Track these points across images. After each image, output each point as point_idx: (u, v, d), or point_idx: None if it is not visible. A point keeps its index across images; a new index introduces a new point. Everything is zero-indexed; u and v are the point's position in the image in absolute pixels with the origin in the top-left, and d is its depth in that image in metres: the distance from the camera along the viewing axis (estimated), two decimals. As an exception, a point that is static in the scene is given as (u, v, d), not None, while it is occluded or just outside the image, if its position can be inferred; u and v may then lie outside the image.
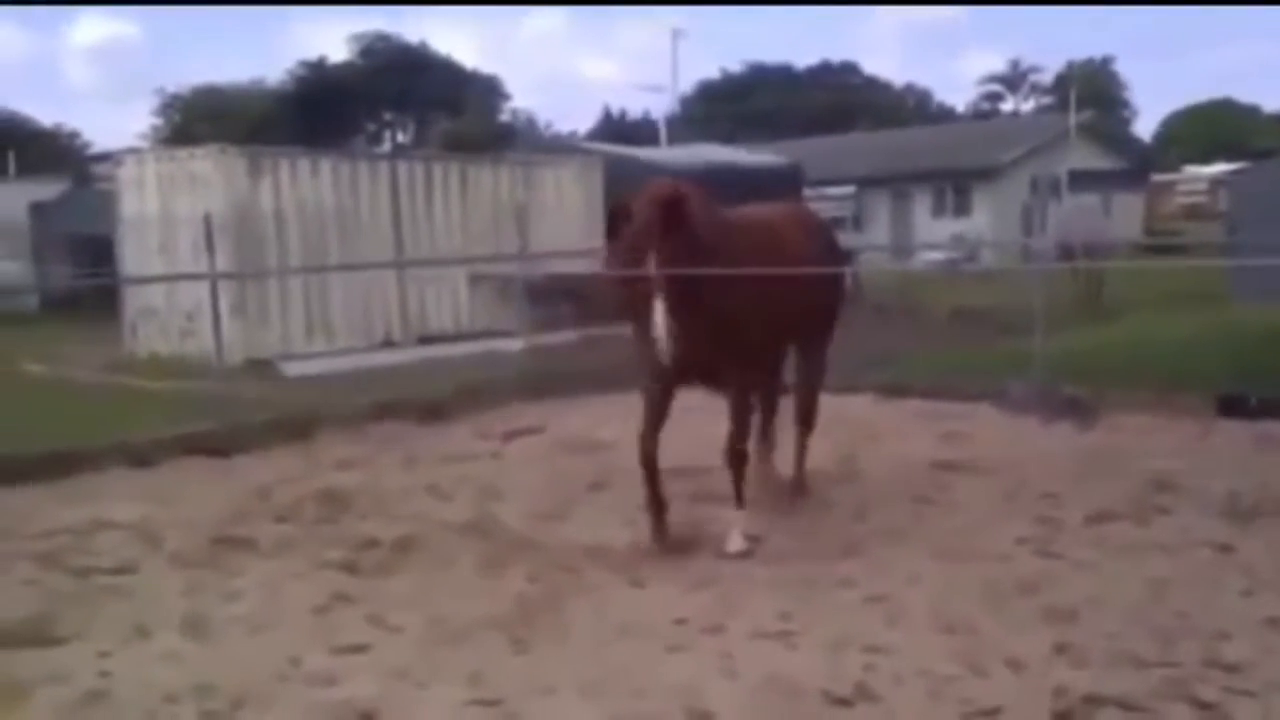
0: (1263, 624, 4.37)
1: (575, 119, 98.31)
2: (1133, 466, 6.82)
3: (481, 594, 4.99)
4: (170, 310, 14.18)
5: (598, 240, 16.64)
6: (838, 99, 61.26)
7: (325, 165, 14.62)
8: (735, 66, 69.64)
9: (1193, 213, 37.89)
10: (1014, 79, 68.85)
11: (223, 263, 12.56)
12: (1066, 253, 15.71)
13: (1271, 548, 5.27)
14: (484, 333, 14.49)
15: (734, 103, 62.07)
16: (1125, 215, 33.96)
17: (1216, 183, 34.77)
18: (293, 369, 12.50)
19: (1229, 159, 38.42)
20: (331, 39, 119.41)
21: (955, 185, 35.30)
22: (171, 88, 58.05)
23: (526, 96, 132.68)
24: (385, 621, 4.71)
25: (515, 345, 12.33)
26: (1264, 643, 4.18)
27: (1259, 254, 14.44)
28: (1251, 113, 60.49)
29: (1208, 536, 5.48)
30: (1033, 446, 7.63)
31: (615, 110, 66.27)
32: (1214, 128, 57.35)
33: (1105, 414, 8.31)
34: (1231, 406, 8.15)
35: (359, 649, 4.44)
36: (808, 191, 22.16)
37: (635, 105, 70.18)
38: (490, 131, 52.23)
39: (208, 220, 10.63)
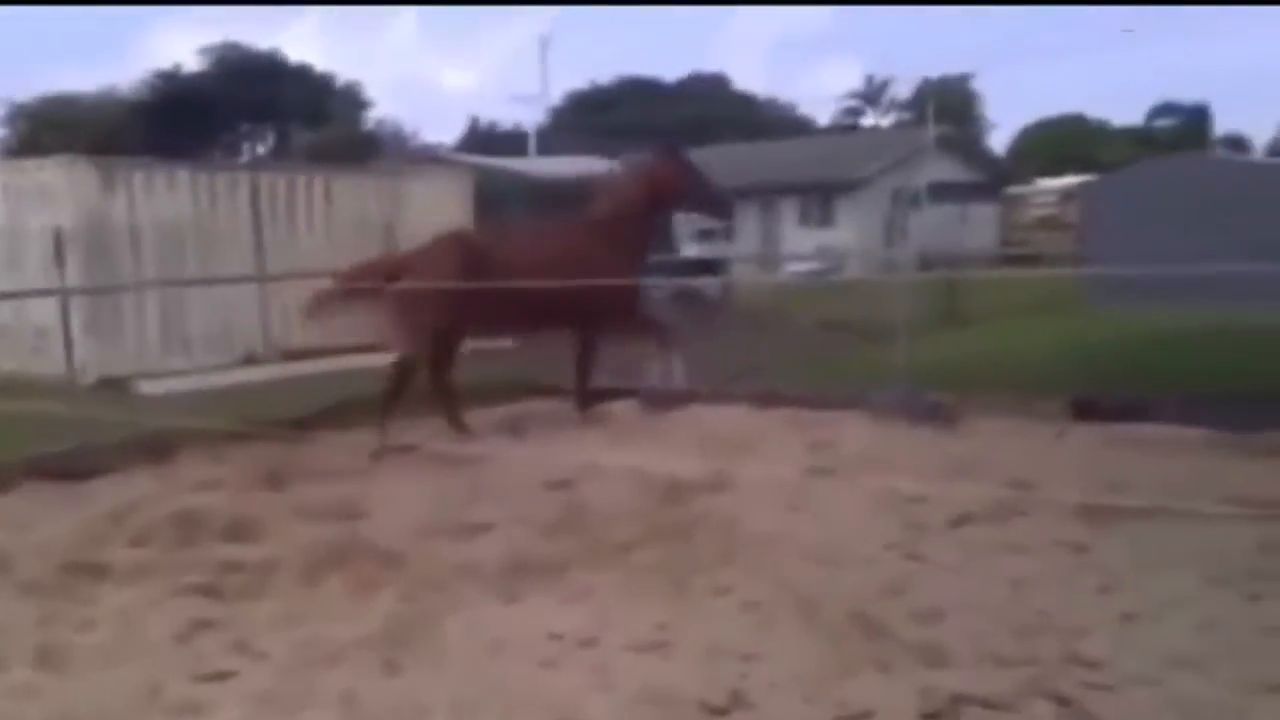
0: (1118, 620, 4.53)
1: (442, 129, 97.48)
2: (993, 470, 7.02)
3: (351, 615, 4.87)
4: (20, 328, 13.56)
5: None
6: (706, 111, 62.01)
7: (182, 177, 14.20)
8: (605, 78, 70.04)
9: (1045, 224, 39.33)
10: (873, 93, 70.75)
11: (74, 278, 12.07)
12: (928, 263, 16.18)
13: (1124, 546, 5.47)
14: (353, 347, 14.20)
15: (604, 114, 62.34)
16: (984, 227, 35.15)
17: (1068, 195, 36.19)
18: (150, 388, 12.07)
19: (1079, 172, 40.01)
20: (186, 47, 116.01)
21: (820, 197, 36.07)
22: (18, 96, 55.70)
23: (389, 105, 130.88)
24: (250, 647, 4.56)
25: (384, 360, 12.09)
26: (1120, 638, 4.33)
27: (1109, 262, 15.13)
28: (1101, 127, 63.20)
29: (1064, 536, 5.67)
30: (898, 452, 7.79)
31: (483, 121, 65.96)
32: (1065, 142, 59.72)
33: (967, 419, 8.55)
34: (1085, 410, 8.45)
35: (223, 676, 4.29)
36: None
37: (504, 116, 69.80)
38: (355, 142, 51.40)
39: (58, 234, 10.21)
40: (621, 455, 7.73)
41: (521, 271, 8.58)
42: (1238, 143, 59.16)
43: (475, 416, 9.33)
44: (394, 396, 8.78)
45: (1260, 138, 61.29)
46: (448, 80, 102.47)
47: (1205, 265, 10.58)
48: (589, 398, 9.50)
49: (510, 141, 51.43)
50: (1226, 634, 4.33)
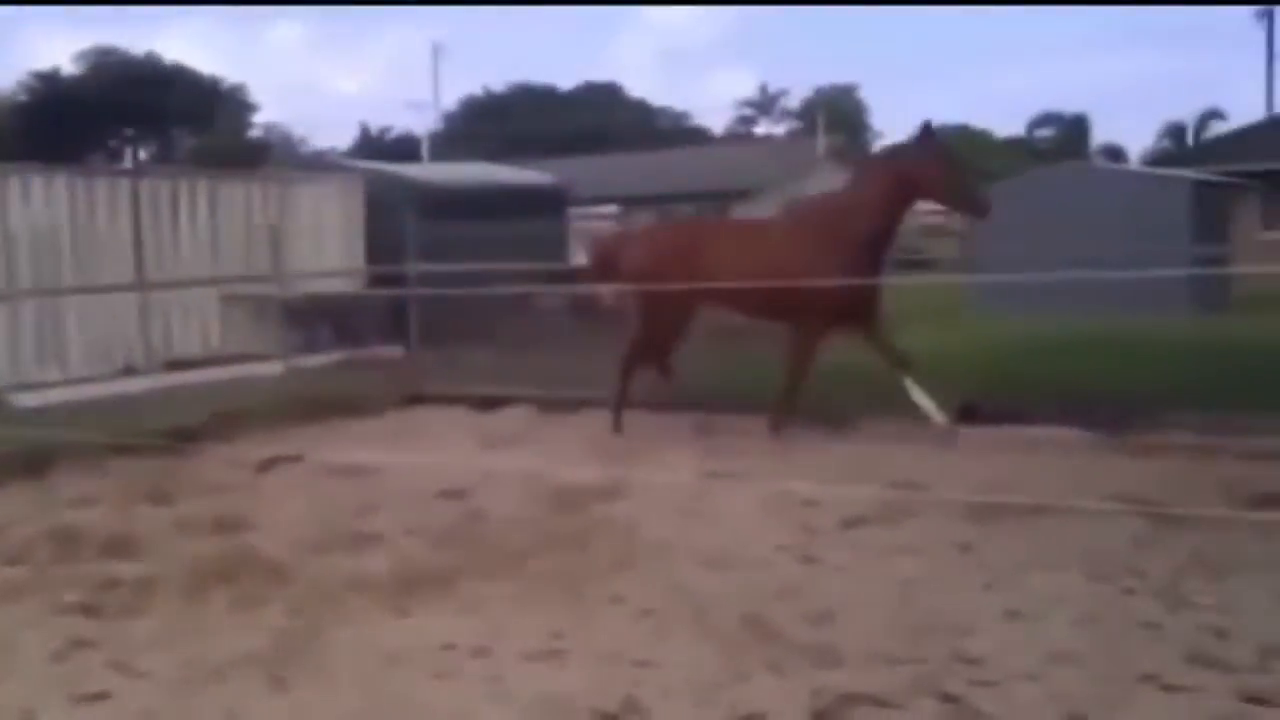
0: (1002, 617, 4.64)
1: (333, 135, 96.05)
2: (884, 472, 7.15)
3: (236, 631, 4.74)
4: (-115, 338, 12.95)
5: (358, 260, 16.35)
6: (601, 119, 62.17)
7: (60, 182, 13.69)
8: (498, 84, 69.74)
9: (932, 230, 40.19)
10: (766, 103, 71.71)
11: (-57, 287, 11.55)
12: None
13: (1008, 545, 5.61)
14: (237, 356, 13.88)
15: (498, 120, 62.08)
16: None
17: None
18: (25, 400, 11.62)
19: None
20: (60, 48, 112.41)
21: (717, 206, 36.35)
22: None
23: (277, 110, 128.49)
24: (130, 666, 4.41)
25: (272, 369, 11.87)
26: (1004, 635, 4.44)
27: (997, 269, 15.53)
28: (984, 137, 64.88)
29: (952, 536, 5.80)
30: (793, 455, 7.89)
31: (375, 127, 65.14)
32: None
33: (859, 422, 8.68)
34: (971, 413, 8.65)
35: (101, 697, 4.13)
36: (574, 211, 22.29)
37: (397, 122, 69.02)
38: (243, 147, 50.31)
39: (-75, 241, 9.79)
40: (515, 461, 7.69)
41: (746, 263, 8.47)
42: (1115, 152, 61.28)
43: (365, 426, 9.21)
44: (628, 384, 9.01)
45: (1135, 147, 63.59)
46: (338, 86, 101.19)
47: (1085, 273, 10.95)
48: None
49: (403, 147, 50.89)
50: (1104, 629, 4.46)
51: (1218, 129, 52.01)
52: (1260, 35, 38.13)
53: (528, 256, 13.82)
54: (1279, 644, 4.18)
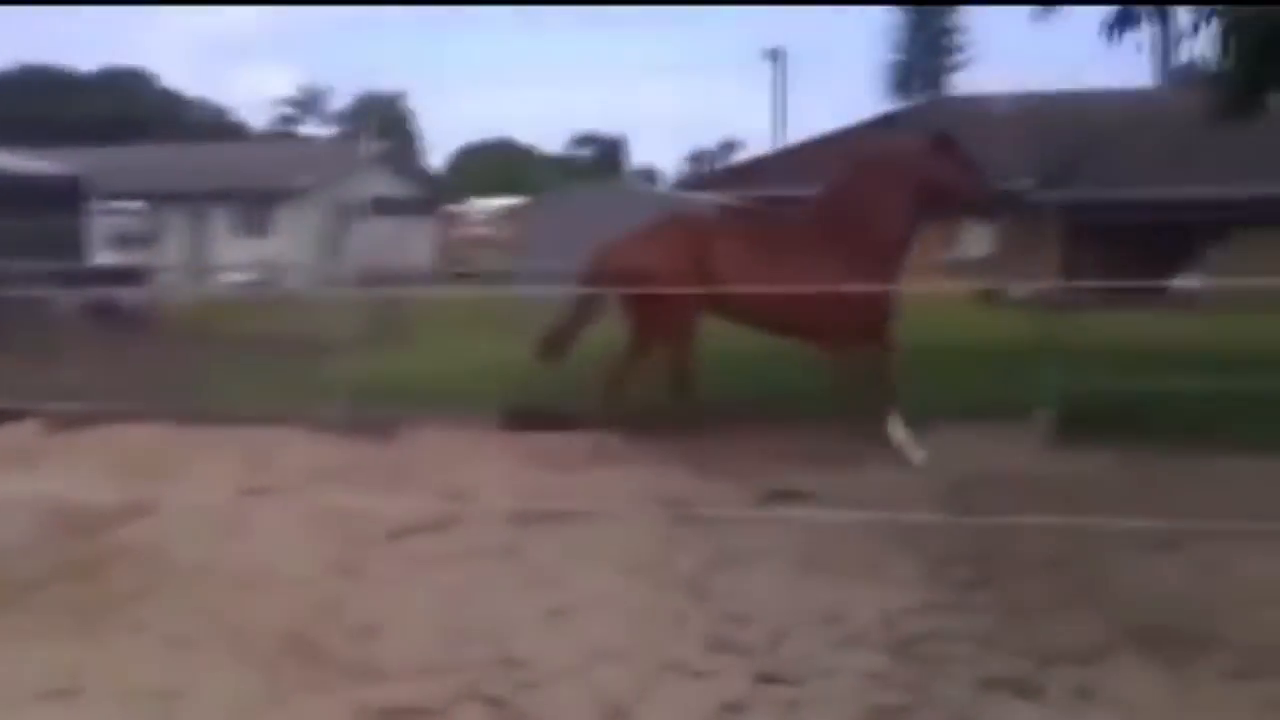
0: (543, 618, 4.77)
1: None
2: (431, 482, 7.13)
3: None
4: None
5: None
6: (126, 107, 57.55)
7: None
8: (1, 64, 62.66)
9: (480, 242, 40.96)
10: (309, 102, 69.80)
11: None
12: (368, 277, 16.15)
13: (553, 548, 5.77)
14: None
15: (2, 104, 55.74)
16: (418, 242, 35.84)
17: (499, 216, 37.92)
18: None
19: (510, 194, 42.12)
20: None
21: (256, 206, 34.83)
22: None
23: None
24: None
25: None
26: (546, 636, 4.56)
27: (543, 281, 16.02)
28: (528, 152, 67.05)
29: (496, 542, 5.87)
30: (338, 467, 7.68)
31: None
32: (497, 164, 62.62)
33: (407, 433, 8.61)
34: (517, 421, 8.84)
35: None
36: (93, 205, 20.47)
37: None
38: None
39: None
40: (21, 483, 6.92)
41: (758, 268, 7.85)
42: (650, 174, 65.51)
43: None
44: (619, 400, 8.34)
45: (669, 170, 68.27)
46: None
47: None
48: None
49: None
50: (638, 623, 4.70)
51: (737, 157, 57.18)
52: (768, 73, 42.10)
53: (38, 254, 12.50)
54: (788, 627, 4.60)
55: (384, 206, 34.97)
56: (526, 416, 8.91)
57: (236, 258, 30.57)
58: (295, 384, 10.49)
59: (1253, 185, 23.37)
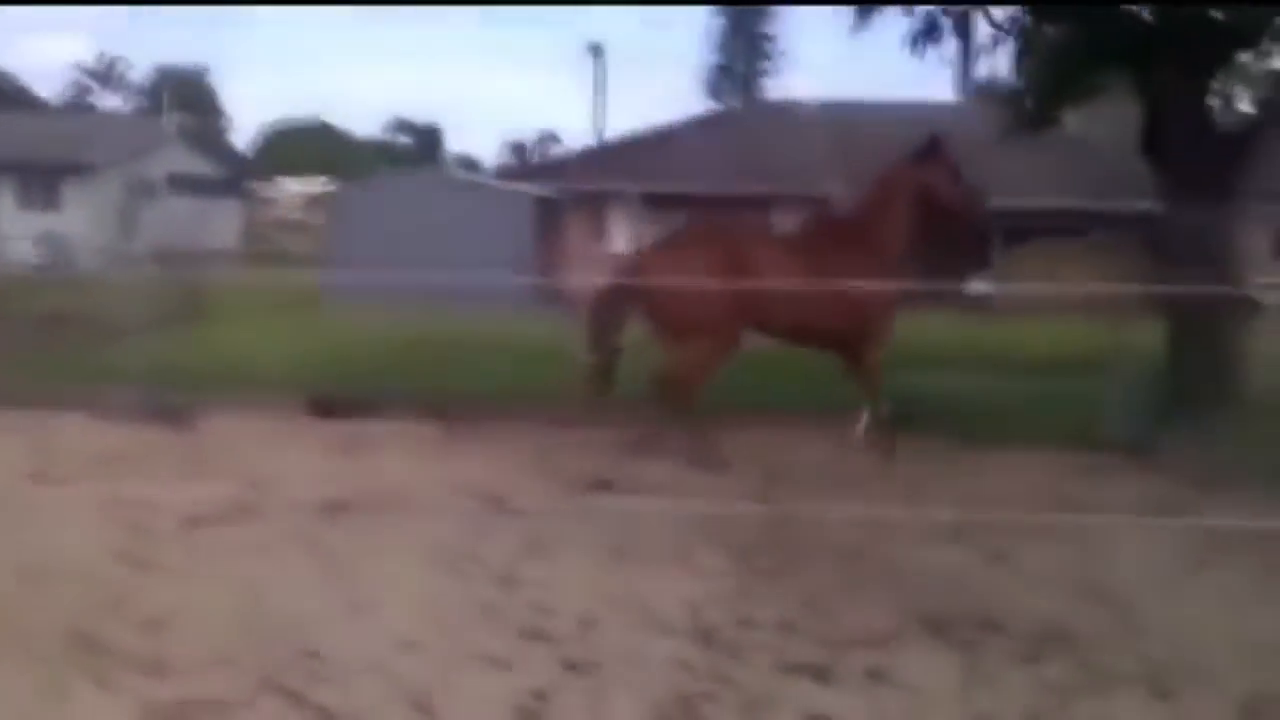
0: (346, 610, 4.65)
1: None
2: (232, 470, 6.88)
3: None
4: None
5: None
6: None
7: None
8: None
9: (290, 225, 39.79)
10: (104, 72, 66.24)
11: None
12: (166, 258, 15.47)
13: (356, 540, 5.63)
14: None
15: None
16: (224, 223, 34.53)
17: (313, 198, 36.94)
18: None
19: (321, 176, 41.05)
20: None
21: (45, 178, 32.86)
22: None
23: None
24: None
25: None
26: (348, 629, 4.46)
27: (353, 266, 15.68)
28: (342, 135, 65.27)
29: (299, 533, 5.71)
30: (129, 455, 7.33)
31: None
32: (308, 145, 60.80)
33: (205, 418, 8.30)
34: (321, 408, 8.63)
35: None
36: None
37: None
38: None
39: None
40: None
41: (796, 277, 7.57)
42: (469, 163, 64.74)
43: None
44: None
45: (488, 160, 67.65)
46: None
47: (439, 274, 11.43)
48: None
49: None
50: (444, 614, 4.65)
51: (555, 150, 57.15)
52: (589, 68, 42.13)
53: None
54: (594, 616, 4.63)
55: (183, 184, 33.49)
56: (332, 404, 8.71)
57: (21, 232, 28.71)
58: (85, 367, 9.96)
59: (1046, 197, 24.78)
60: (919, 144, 8.24)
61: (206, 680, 3.91)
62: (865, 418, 7.97)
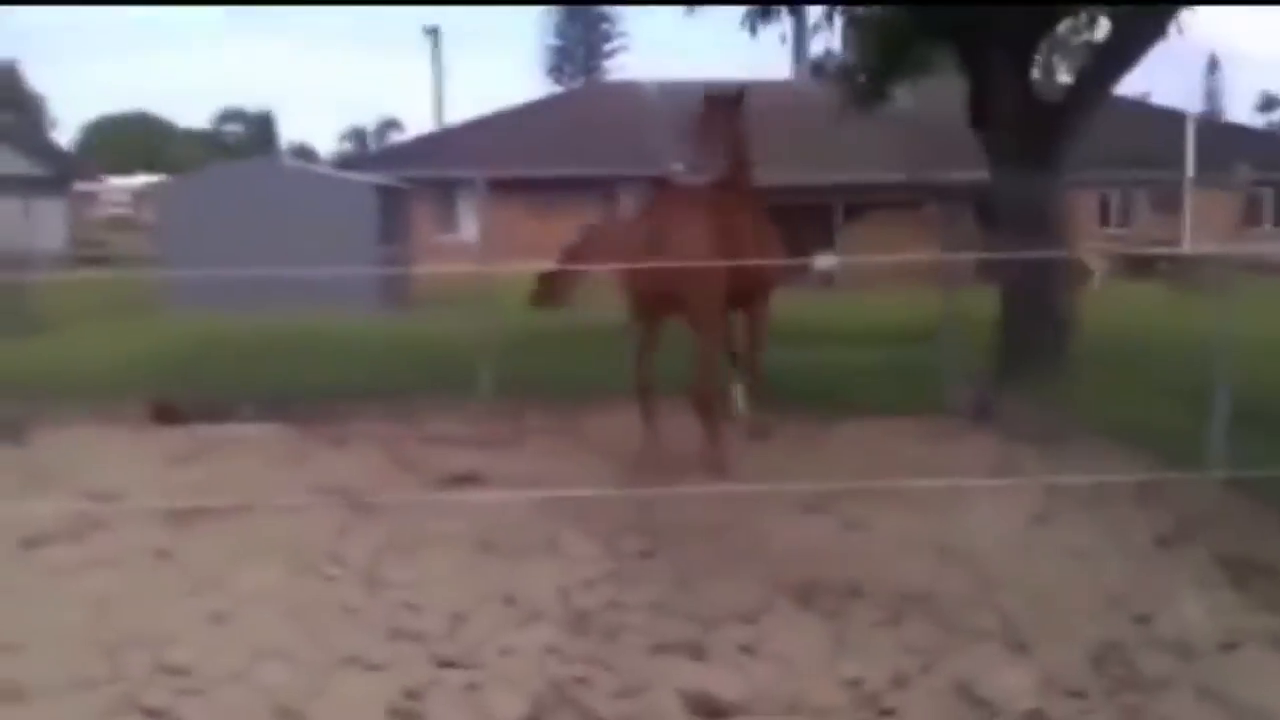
0: (206, 621, 4.51)
1: None
2: (70, 483, 6.58)
3: None
4: None
5: None
6: None
7: None
8: None
9: (119, 223, 38.17)
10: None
11: None
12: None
13: (210, 547, 5.45)
14: None
15: None
16: (49, 223, 32.84)
17: (140, 194, 35.49)
18: None
19: (148, 171, 39.48)
20: None
21: None
22: None
23: None
24: None
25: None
26: (208, 640, 4.32)
27: (187, 264, 15.13)
28: (168, 127, 62.92)
29: (149, 544, 5.49)
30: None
31: None
32: (133, 140, 58.43)
33: (38, 431, 7.92)
34: (165, 414, 8.33)
35: None
36: None
37: None
38: None
39: None
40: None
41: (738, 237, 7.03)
42: (305, 152, 63.17)
43: None
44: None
45: (323, 149, 66.11)
46: None
47: (278, 270, 11.13)
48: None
49: None
50: (308, 618, 4.54)
51: (396, 136, 56.14)
52: (429, 53, 41.33)
53: None
54: (465, 611, 4.59)
55: (3, 184, 31.71)
56: (175, 409, 8.41)
57: None
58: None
59: (881, 171, 25.50)
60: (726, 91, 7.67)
61: (59, 705, 3.76)
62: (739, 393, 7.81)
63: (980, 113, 10.15)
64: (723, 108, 7.48)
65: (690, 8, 11.01)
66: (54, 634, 4.35)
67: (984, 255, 10.31)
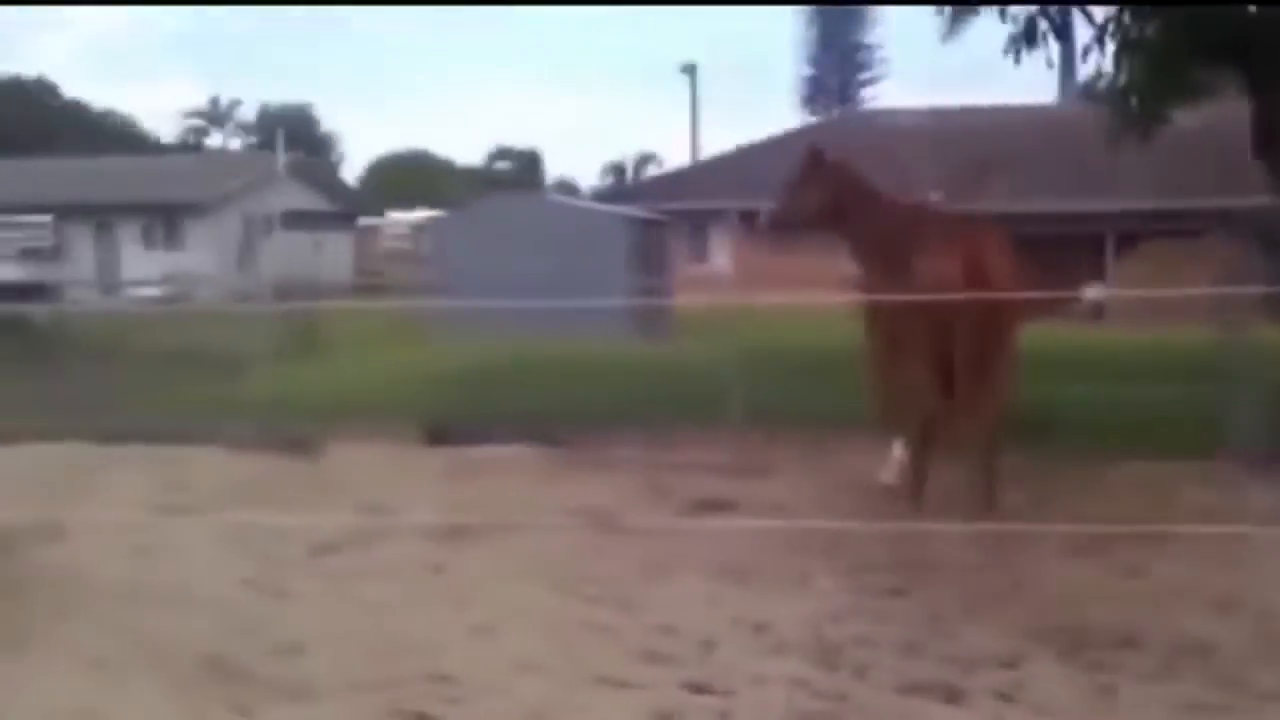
0: (471, 633, 4.75)
1: None
2: (353, 497, 7.07)
3: None
4: None
5: None
6: (29, 118, 55.94)
7: None
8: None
9: (398, 255, 40.54)
10: (216, 114, 68.55)
11: None
12: (283, 291, 15.93)
13: (475, 563, 5.75)
14: None
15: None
16: (336, 255, 35.43)
17: (417, 227, 37.64)
18: None
19: (427, 206, 41.79)
20: None
21: (166, 218, 34.15)
22: None
23: None
24: None
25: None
26: (472, 651, 4.55)
27: (459, 293, 15.98)
28: (446, 165, 66.57)
29: (422, 557, 5.85)
30: (255, 484, 7.57)
31: None
32: (413, 177, 62.09)
33: (326, 448, 8.53)
34: (437, 435, 8.81)
35: None
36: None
37: None
38: None
39: None
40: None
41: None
42: (568, 187, 65.39)
43: None
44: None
45: (585, 183, 68.26)
46: None
47: (542, 301, 11.58)
48: None
49: None
50: (564, 636, 4.71)
51: (653, 171, 57.45)
52: (687, 89, 42.11)
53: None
54: (715, 637, 4.65)
55: (296, 219, 34.45)
56: (446, 431, 8.88)
57: (146, 271, 29.85)
58: (209, 400, 10.32)
59: (1156, 199, 24.13)
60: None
61: (339, 705, 4.03)
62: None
63: (1266, 138, 9.48)
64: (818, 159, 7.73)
65: (948, 35, 10.78)
66: (336, 637, 4.68)
67: (1268, 288, 9.59)
